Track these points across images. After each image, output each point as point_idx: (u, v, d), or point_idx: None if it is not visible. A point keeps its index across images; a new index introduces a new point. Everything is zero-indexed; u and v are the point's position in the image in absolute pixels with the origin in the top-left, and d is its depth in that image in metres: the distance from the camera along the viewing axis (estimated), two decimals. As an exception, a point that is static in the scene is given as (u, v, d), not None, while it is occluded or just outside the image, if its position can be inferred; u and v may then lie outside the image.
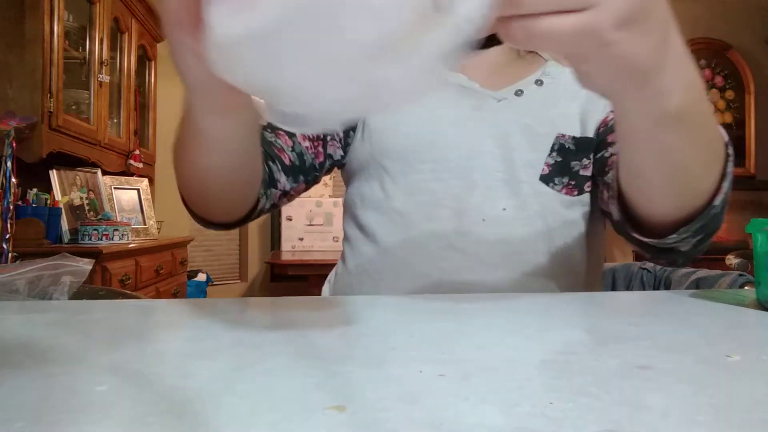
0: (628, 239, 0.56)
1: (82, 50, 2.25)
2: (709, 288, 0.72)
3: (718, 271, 0.77)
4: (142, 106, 2.91)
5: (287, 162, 0.66)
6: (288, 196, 0.68)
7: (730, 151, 0.46)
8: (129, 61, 2.66)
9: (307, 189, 0.71)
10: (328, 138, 0.70)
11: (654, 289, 0.84)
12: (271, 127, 0.67)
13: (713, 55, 3.76)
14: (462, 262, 0.62)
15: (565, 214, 0.65)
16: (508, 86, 0.68)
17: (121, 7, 2.54)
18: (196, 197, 0.56)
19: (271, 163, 0.64)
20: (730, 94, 3.79)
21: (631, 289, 0.88)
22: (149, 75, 3.01)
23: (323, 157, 0.70)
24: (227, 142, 0.45)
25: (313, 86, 0.26)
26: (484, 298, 0.49)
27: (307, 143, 0.68)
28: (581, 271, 0.66)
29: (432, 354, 0.29)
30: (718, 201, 0.46)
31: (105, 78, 2.33)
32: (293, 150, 0.67)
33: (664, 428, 0.19)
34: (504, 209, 0.63)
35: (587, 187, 0.66)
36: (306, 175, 0.68)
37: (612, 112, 0.65)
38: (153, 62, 3.03)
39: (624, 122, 0.40)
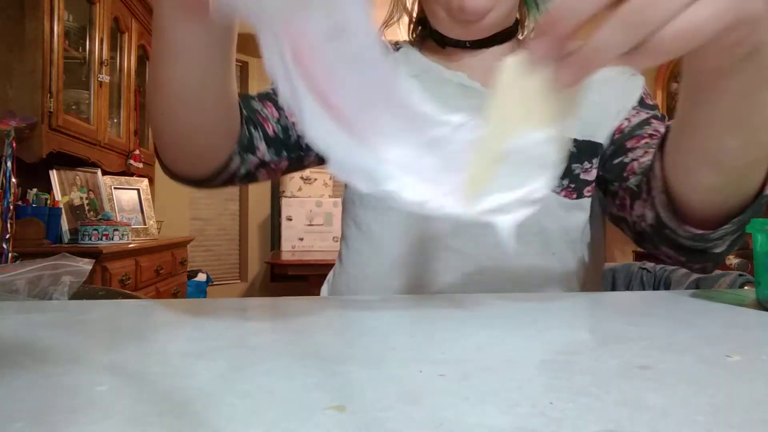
0: (661, 242, 0.54)
1: (82, 50, 2.25)
2: (709, 288, 0.72)
3: (718, 271, 0.77)
4: (142, 106, 2.91)
5: (270, 132, 0.64)
6: (268, 168, 0.66)
7: None
8: (129, 61, 2.66)
9: (290, 169, 0.69)
10: None
11: (654, 289, 0.84)
12: (260, 97, 0.66)
13: (713, 55, 3.76)
14: (458, 263, 0.62)
15: (564, 216, 0.64)
16: None
17: (121, 7, 2.54)
18: (163, 129, 0.54)
19: (252, 129, 0.63)
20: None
21: (631, 289, 0.88)
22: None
23: None
24: (191, 51, 0.45)
25: None
26: (484, 298, 0.49)
27: (293, 119, 0.66)
28: (580, 273, 0.66)
29: (432, 354, 0.29)
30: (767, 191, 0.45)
31: (105, 78, 2.33)
32: (278, 122, 0.65)
33: (664, 428, 0.19)
34: None
35: (587, 191, 0.65)
36: (290, 151, 0.67)
37: (627, 119, 0.65)
38: (153, 62, 3.02)
39: (718, 95, 0.38)
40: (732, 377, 0.25)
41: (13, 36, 1.85)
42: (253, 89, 4.21)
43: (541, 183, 0.32)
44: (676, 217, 0.50)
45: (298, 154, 0.68)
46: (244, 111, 0.62)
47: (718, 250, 0.50)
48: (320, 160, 0.71)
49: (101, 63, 2.31)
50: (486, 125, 0.32)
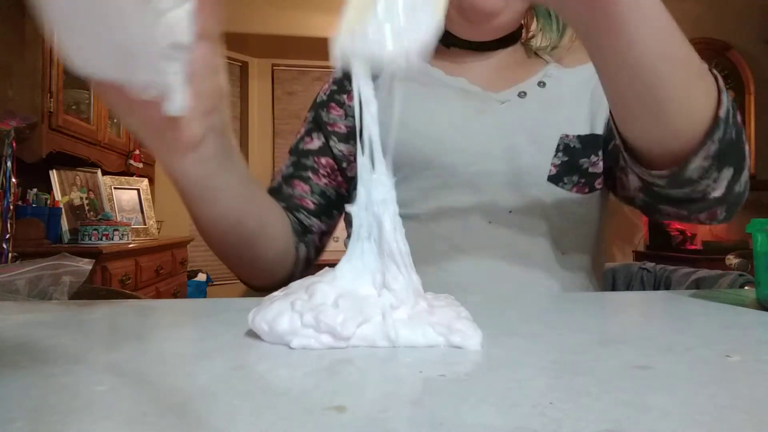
0: (659, 203, 0.55)
1: (82, 50, 2.25)
2: (709, 288, 0.72)
3: (718, 271, 0.76)
4: (142, 106, 2.90)
5: (312, 206, 0.68)
6: (330, 233, 0.71)
7: (716, 72, 0.47)
8: (129, 61, 2.65)
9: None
10: (343, 164, 0.70)
11: (654, 289, 0.84)
12: (286, 181, 0.69)
13: (713, 55, 3.76)
14: (467, 264, 0.62)
15: (577, 212, 0.65)
16: (510, 88, 0.68)
17: (121, 7, 2.54)
18: (227, 259, 0.58)
19: (297, 213, 0.66)
20: (730, 94, 3.78)
21: (631, 289, 0.88)
22: (149, 75, 3.01)
23: (346, 183, 0.71)
24: (206, 189, 0.45)
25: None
26: (483, 298, 0.49)
27: (324, 180, 0.70)
28: (585, 271, 0.66)
29: (432, 354, 0.29)
30: (722, 113, 0.45)
31: (105, 78, 2.32)
32: (313, 193, 0.69)
33: (664, 428, 0.19)
34: (510, 212, 0.63)
35: (598, 184, 0.66)
36: (338, 208, 0.71)
37: None
38: (153, 62, 3.02)
39: (593, 39, 0.43)
40: (732, 377, 0.25)
41: (13, 36, 1.85)
42: (253, 89, 4.21)
43: (422, 27, 0.33)
44: (644, 167, 0.52)
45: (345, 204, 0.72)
46: (281, 203, 0.66)
47: (716, 194, 0.50)
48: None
49: (101, 63, 2.31)
50: None
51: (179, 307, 0.43)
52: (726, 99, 0.46)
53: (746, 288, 0.67)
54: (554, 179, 0.64)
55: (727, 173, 0.49)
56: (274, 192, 0.69)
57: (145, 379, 0.25)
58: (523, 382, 0.24)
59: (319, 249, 0.69)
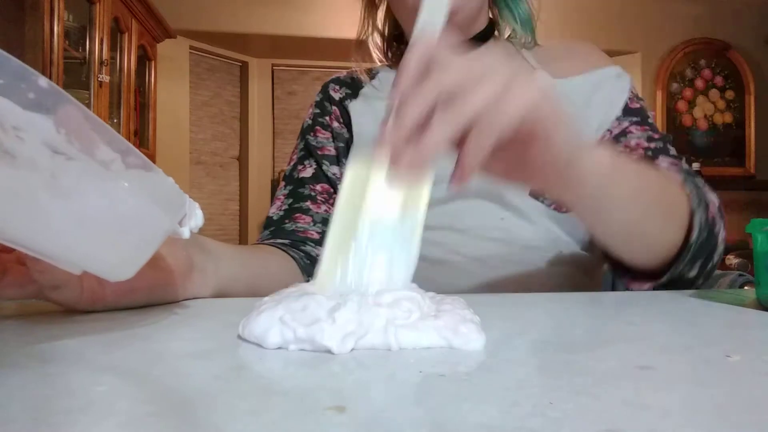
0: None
1: (82, 50, 2.25)
2: (709, 288, 0.72)
3: (718, 271, 0.76)
4: (142, 106, 2.91)
5: (316, 236, 0.67)
6: None
7: (690, 189, 0.51)
8: (129, 61, 2.66)
9: None
10: (337, 185, 0.71)
11: (654, 289, 0.84)
12: (287, 216, 0.68)
13: (713, 55, 3.77)
14: (464, 269, 0.62)
15: (560, 225, 0.65)
16: None
17: (121, 7, 2.54)
18: None
19: (303, 247, 0.65)
20: (730, 94, 3.79)
21: (631, 289, 0.88)
22: (149, 75, 3.01)
23: None
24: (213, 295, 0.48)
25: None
26: (484, 298, 0.49)
27: (323, 207, 0.69)
28: (583, 273, 0.66)
29: (432, 354, 0.29)
30: (693, 238, 0.51)
31: (105, 78, 2.33)
32: (316, 223, 0.68)
33: (664, 428, 0.19)
34: (502, 219, 0.63)
35: None
36: None
37: (609, 131, 0.66)
38: (153, 62, 3.03)
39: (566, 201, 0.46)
40: (732, 377, 0.25)
41: (13, 36, 1.85)
42: (253, 89, 4.21)
43: (402, 263, 0.34)
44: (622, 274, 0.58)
45: None
46: (286, 240, 0.65)
47: (691, 275, 0.55)
48: None
49: (101, 63, 2.31)
50: (334, 222, 0.35)
51: (179, 307, 0.43)
52: (698, 220, 0.50)
53: (746, 288, 0.67)
54: (535, 194, 0.64)
55: (700, 260, 0.54)
56: (276, 231, 0.68)
57: (145, 379, 0.25)
58: (523, 382, 0.24)
59: None
